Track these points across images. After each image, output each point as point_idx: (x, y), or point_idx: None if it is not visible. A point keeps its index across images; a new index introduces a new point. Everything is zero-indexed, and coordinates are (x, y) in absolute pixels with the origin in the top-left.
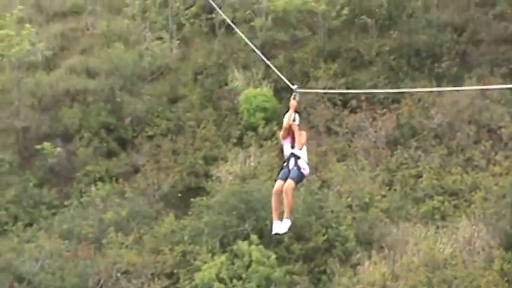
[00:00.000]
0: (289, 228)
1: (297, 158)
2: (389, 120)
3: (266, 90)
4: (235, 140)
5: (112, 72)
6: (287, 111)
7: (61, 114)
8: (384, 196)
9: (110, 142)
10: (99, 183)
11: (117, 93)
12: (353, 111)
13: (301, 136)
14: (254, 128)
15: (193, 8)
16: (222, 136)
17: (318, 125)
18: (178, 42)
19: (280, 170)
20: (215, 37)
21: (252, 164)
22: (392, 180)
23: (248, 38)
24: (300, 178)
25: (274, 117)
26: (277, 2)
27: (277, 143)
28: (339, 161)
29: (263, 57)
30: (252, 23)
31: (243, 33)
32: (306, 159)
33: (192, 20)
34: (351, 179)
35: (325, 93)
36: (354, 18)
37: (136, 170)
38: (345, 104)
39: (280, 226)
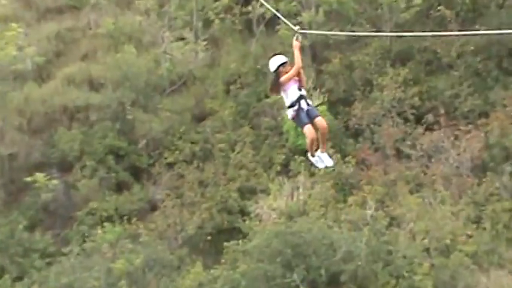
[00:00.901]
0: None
1: (305, 98)
2: (475, 139)
3: (318, 102)
4: (279, 168)
5: (121, 83)
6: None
7: (57, 138)
8: (469, 236)
9: (119, 172)
10: (107, 224)
11: (128, 110)
12: (429, 128)
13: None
14: (303, 152)
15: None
16: (262, 162)
17: (384, 146)
18: (205, 43)
19: (298, 117)
20: (252, 36)
21: (301, 197)
22: (481, 217)
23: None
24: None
25: (328, 138)
26: None
27: (333, 170)
28: (411, 192)
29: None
30: (299, 18)
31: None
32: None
33: (222, 15)
34: (428, 215)
35: (328, 35)
36: (429, 10)
37: (153, 207)
38: (418, 120)
39: (326, 160)
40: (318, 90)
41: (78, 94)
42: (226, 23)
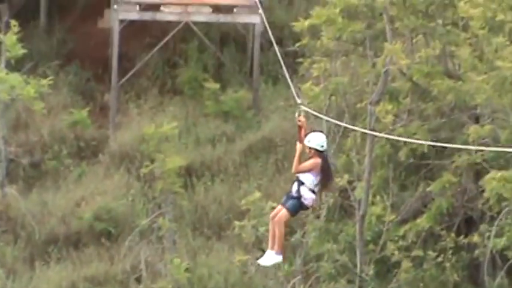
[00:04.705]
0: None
1: (301, 183)
2: None
3: None
4: None
5: None
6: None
7: None
8: None
9: None
10: None
11: None
12: None
13: (306, 162)
14: None
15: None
16: None
17: None
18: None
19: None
20: None
21: None
22: None
23: None
24: (296, 208)
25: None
26: None
27: None
28: None
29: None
30: None
31: None
32: (311, 185)
33: (417, 252)
34: None
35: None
36: None
37: None
38: None
39: (264, 257)
40: None
41: None
42: (427, 270)
